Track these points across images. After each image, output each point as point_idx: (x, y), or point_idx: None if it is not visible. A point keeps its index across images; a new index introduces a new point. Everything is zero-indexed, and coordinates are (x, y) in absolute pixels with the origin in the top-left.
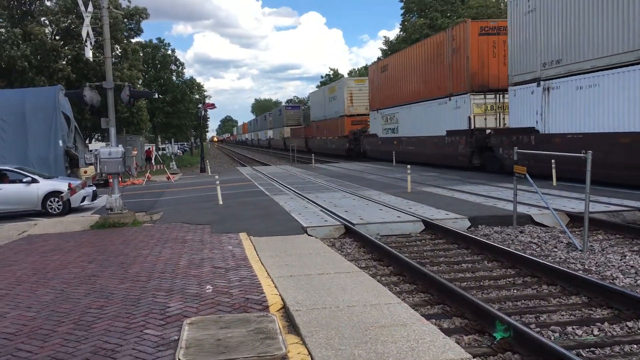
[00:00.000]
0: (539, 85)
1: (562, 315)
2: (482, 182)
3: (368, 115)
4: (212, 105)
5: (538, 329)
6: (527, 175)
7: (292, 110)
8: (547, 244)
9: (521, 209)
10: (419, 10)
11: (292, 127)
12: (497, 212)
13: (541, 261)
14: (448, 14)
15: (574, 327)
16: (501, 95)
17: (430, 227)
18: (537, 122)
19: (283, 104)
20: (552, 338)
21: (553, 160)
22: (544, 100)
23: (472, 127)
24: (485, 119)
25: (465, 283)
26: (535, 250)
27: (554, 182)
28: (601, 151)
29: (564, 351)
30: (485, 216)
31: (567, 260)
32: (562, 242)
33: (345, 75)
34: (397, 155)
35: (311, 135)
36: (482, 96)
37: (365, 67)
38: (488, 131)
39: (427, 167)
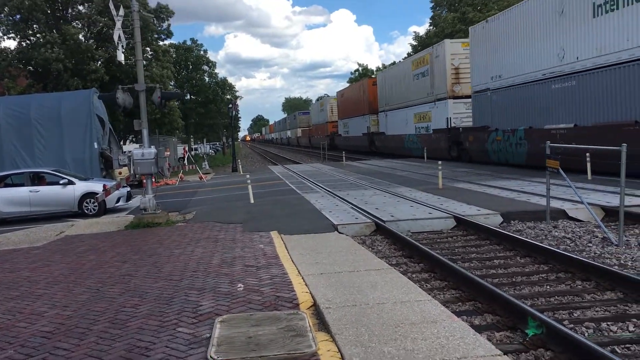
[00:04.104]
0: (384, 113)
1: (597, 311)
2: (514, 177)
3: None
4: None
5: (571, 325)
6: (560, 170)
7: (303, 115)
8: (582, 239)
9: (555, 203)
10: (449, 5)
11: (303, 128)
12: (530, 208)
13: (575, 256)
14: (479, 8)
15: (608, 323)
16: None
17: (462, 223)
18: (385, 129)
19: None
20: (586, 334)
21: (588, 154)
22: (385, 119)
23: (370, 131)
24: (377, 127)
25: (497, 279)
26: (569, 246)
27: (589, 176)
28: (397, 142)
29: (598, 348)
30: (518, 211)
31: (602, 255)
32: (597, 237)
33: (375, 71)
34: (345, 147)
35: (312, 134)
36: (375, 116)
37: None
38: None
39: (357, 153)
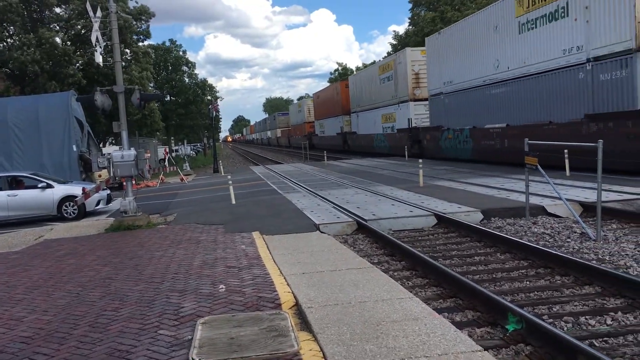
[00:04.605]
0: (355, 114)
1: (575, 305)
2: (494, 174)
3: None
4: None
5: (551, 320)
6: (539, 167)
7: (282, 116)
8: (560, 234)
9: (534, 200)
10: (428, 4)
11: (282, 129)
12: (509, 204)
13: (554, 252)
14: (457, 7)
15: (587, 317)
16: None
17: (443, 220)
18: (357, 129)
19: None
20: (565, 329)
21: (566, 150)
22: (356, 119)
23: (343, 131)
24: (349, 127)
25: (478, 276)
26: (548, 241)
27: (567, 172)
28: (367, 141)
29: (576, 342)
30: (498, 208)
31: (581, 250)
32: (575, 233)
33: (354, 70)
34: (322, 146)
35: (291, 135)
36: (348, 116)
37: (373, 62)
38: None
39: (332, 152)
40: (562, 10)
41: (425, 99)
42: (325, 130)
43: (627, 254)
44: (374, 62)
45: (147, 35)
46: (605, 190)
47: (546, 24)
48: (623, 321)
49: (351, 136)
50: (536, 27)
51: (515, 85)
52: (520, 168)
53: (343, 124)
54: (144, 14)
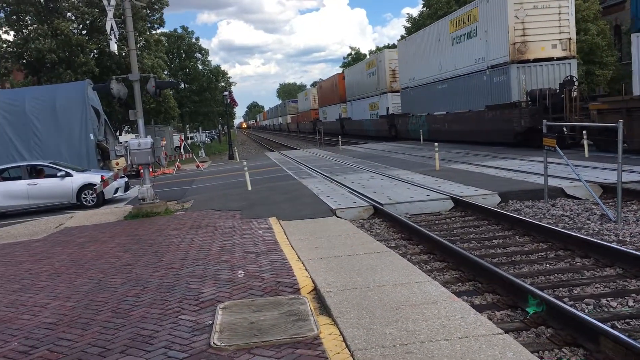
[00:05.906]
0: (350, 102)
1: (596, 287)
2: (512, 156)
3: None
4: (233, 101)
5: (571, 302)
6: (557, 148)
7: (292, 103)
8: (580, 216)
9: (552, 182)
10: None
11: (291, 115)
12: (527, 187)
13: (574, 234)
14: None
15: (608, 299)
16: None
17: (460, 204)
18: (351, 115)
19: (308, 87)
20: (586, 311)
21: (585, 131)
22: (351, 107)
23: (341, 117)
24: (346, 113)
25: (497, 259)
26: (568, 224)
27: (586, 154)
28: (359, 126)
29: (598, 323)
30: (516, 191)
31: (601, 232)
32: (595, 214)
33: (367, 55)
34: (325, 130)
35: (299, 121)
36: (345, 104)
37: (387, 46)
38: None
39: (333, 135)
40: (474, 31)
41: (399, 91)
42: (327, 117)
43: None
44: (387, 46)
45: (161, 22)
46: (626, 171)
47: (466, 40)
48: None
49: (347, 122)
50: (461, 42)
51: (451, 83)
52: (464, 144)
53: (341, 111)
54: (157, 2)
